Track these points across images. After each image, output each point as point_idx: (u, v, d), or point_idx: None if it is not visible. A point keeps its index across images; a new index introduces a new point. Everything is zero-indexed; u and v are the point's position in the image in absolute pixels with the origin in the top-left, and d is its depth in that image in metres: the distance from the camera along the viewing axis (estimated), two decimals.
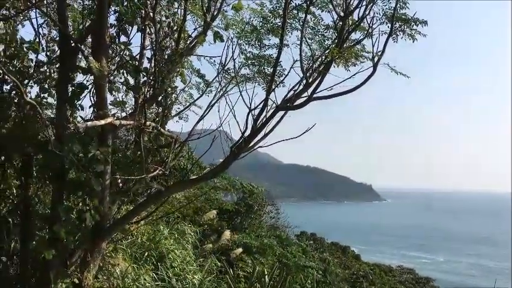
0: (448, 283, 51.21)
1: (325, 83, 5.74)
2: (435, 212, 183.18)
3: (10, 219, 6.05)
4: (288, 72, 5.85)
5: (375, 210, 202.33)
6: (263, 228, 19.82)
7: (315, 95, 5.57)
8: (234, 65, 5.99)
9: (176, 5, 6.34)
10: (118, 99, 5.90)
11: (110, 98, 5.76)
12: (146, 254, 8.69)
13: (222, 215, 17.51)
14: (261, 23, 6.34)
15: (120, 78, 6.01)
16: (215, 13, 5.96)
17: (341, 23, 5.63)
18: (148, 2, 5.82)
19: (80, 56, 5.78)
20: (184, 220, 13.21)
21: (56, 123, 5.42)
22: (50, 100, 5.96)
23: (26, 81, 5.86)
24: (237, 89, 6.01)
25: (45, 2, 5.94)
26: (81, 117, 5.81)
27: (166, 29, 6.09)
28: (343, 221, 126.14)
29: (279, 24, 6.10)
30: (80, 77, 5.94)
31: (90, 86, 5.76)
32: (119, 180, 6.07)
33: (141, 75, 6.11)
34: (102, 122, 5.08)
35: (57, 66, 5.86)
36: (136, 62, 6.10)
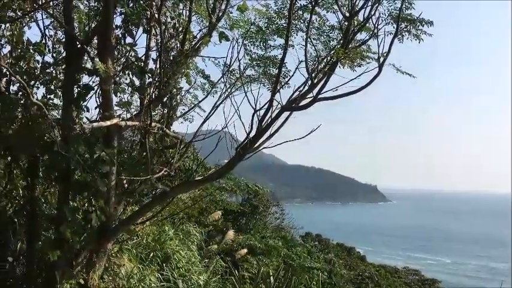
0: (454, 284, 50.94)
1: (330, 84, 5.74)
2: (441, 213, 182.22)
3: (16, 220, 6.10)
4: (293, 73, 5.84)
5: (380, 211, 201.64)
6: (268, 229, 19.81)
7: (320, 96, 5.55)
8: (240, 65, 5.99)
9: (181, 6, 6.36)
10: (123, 100, 5.92)
11: (115, 99, 5.79)
12: (151, 255, 8.71)
13: (227, 216, 17.51)
14: (266, 24, 6.34)
15: (126, 79, 6.04)
16: (220, 14, 5.96)
17: (346, 24, 5.61)
18: (154, 3, 5.84)
19: (85, 58, 5.82)
20: (189, 221, 13.24)
21: (62, 124, 5.45)
22: (56, 101, 6.01)
23: (33, 82, 5.89)
24: (242, 90, 6.02)
25: (51, 3, 5.98)
26: (87, 118, 5.85)
27: (172, 30, 6.11)
28: (348, 222, 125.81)
29: (284, 25, 6.09)
30: (85, 78, 5.98)
31: (95, 87, 5.79)
32: (124, 181, 6.09)
33: (147, 76, 6.12)
34: (108, 123, 5.09)
35: (63, 67, 5.90)
36: (142, 63, 6.12)
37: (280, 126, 5.73)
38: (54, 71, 6.04)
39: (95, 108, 5.82)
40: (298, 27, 6.11)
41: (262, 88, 6.21)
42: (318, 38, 6.18)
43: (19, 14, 6.02)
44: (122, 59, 5.91)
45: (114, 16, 5.61)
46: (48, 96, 5.85)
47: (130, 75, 5.99)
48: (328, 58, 5.91)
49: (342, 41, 5.74)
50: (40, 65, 6.04)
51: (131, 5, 5.65)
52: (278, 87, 5.77)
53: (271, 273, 11.82)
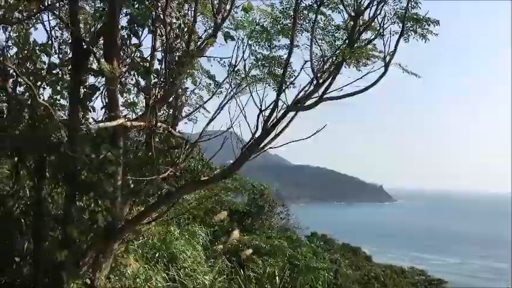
0: (461, 285, 50.63)
1: (335, 83, 5.73)
2: (447, 213, 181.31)
3: (23, 220, 6.12)
4: (299, 73, 5.83)
5: (386, 211, 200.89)
6: (273, 229, 19.78)
7: (325, 96, 5.55)
8: (245, 65, 5.99)
9: (186, 6, 6.37)
10: (129, 101, 5.94)
11: (121, 99, 5.82)
12: (157, 255, 8.73)
13: (233, 216, 17.51)
14: (270, 24, 6.34)
15: (131, 79, 6.05)
16: (225, 14, 5.96)
17: (352, 23, 5.60)
18: (159, 4, 5.86)
19: (91, 58, 5.84)
20: (194, 221, 13.25)
21: (69, 125, 5.48)
22: (63, 102, 6.03)
23: (39, 83, 5.92)
24: (247, 90, 6.02)
25: (57, 5, 6.01)
26: (93, 118, 5.86)
27: (177, 30, 6.12)
28: (354, 222, 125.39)
29: (289, 25, 6.09)
30: (91, 79, 6.00)
31: (101, 88, 5.81)
32: (130, 181, 6.11)
33: (152, 76, 6.14)
34: (114, 123, 5.11)
35: (69, 68, 5.92)
36: (147, 64, 6.13)
37: (286, 126, 5.73)
38: (60, 72, 6.06)
39: (101, 108, 5.84)
40: (303, 27, 6.11)
41: (268, 88, 6.22)
42: (323, 38, 6.17)
43: (25, 15, 6.05)
44: (128, 60, 5.92)
45: (120, 17, 5.63)
46: (55, 97, 5.87)
47: (136, 76, 6.01)
48: (334, 58, 5.90)
49: (347, 41, 5.73)
50: (46, 66, 6.06)
51: (136, 5, 5.67)
52: (283, 88, 5.76)
53: (276, 274, 11.81)
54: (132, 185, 6.13)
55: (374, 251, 53.14)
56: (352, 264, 28.30)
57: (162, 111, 6.48)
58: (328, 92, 5.57)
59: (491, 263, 78.73)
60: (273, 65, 6.55)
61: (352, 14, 5.56)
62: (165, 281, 8.19)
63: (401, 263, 45.53)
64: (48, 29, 6.17)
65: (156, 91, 5.88)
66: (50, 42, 6.17)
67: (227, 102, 5.99)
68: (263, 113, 5.65)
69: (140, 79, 6.04)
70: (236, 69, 6.26)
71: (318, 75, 5.68)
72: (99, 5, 6.26)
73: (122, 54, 5.78)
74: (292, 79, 6.00)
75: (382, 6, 5.39)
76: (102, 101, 5.83)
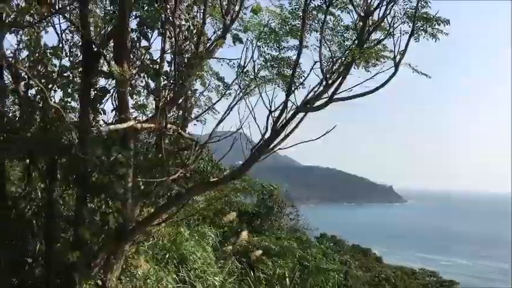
0: (471, 286, 50.10)
1: (344, 84, 5.70)
2: (457, 213, 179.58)
3: (35, 222, 6.18)
4: (308, 74, 5.82)
5: (395, 212, 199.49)
6: (283, 230, 19.76)
7: (335, 96, 5.52)
8: (254, 66, 6.00)
9: (195, 8, 6.38)
10: (139, 103, 5.97)
11: (131, 101, 5.85)
12: (168, 256, 8.76)
13: (242, 217, 17.52)
14: (279, 25, 6.33)
15: (141, 82, 6.08)
16: (234, 16, 5.97)
17: (361, 23, 5.57)
18: (168, 6, 5.88)
19: (102, 61, 5.88)
20: (204, 222, 13.28)
21: (80, 127, 5.52)
22: (73, 104, 6.07)
23: (50, 85, 5.97)
24: (256, 91, 6.02)
25: (68, 8, 6.06)
26: (103, 120, 5.90)
27: (186, 32, 6.14)
28: (363, 223, 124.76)
29: (298, 25, 6.08)
30: (102, 81, 6.04)
31: (112, 90, 5.85)
32: (141, 183, 6.13)
33: (162, 78, 6.16)
34: (125, 125, 5.14)
35: (80, 70, 5.96)
36: (157, 66, 6.16)
37: (295, 127, 5.72)
38: (71, 75, 6.11)
39: (112, 111, 5.88)
40: (312, 28, 6.09)
41: (277, 89, 6.22)
42: (332, 39, 6.15)
43: (36, 18, 6.11)
44: (138, 62, 5.95)
45: (130, 20, 5.66)
46: (66, 100, 5.92)
47: (146, 78, 6.04)
48: (343, 58, 5.88)
49: (356, 41, 5.70)
50: (57, 68, 6.11)
51: (146, 8, 5.70)
52: (293, 88, 5.75)
53: (286, 275, 11.79)
54: (142, 187, 6.16)
55: (384, 251, 52.83)
56: (363, 265, 28.18)
57: (171, 113, 6.50)
58: (337, 92, 5.55)
59: (500, 264, 77.74)
60: (282, 65, 6.54)
61: (362, 14, 5.53)
62: (176, 282, 8.21)
63: (411, 264, 45.22)
64: (59, 32, 6.23)
65: (166, 93, 5.90)
66: (60, 45, 6.23)
67: (236, 103, 5.99)
68: (273, 114, 5.64)
69: (150, 81, 6.07)
70: (245, 70, 6.27)
71: (327, 75, 5.66)
72: (109, 8, 6.30)
73: (131, 56, 5.81)
74: (301, 80, 5.99)
75: (392, 6, 5.37)
76: (112, 103, 5.87)
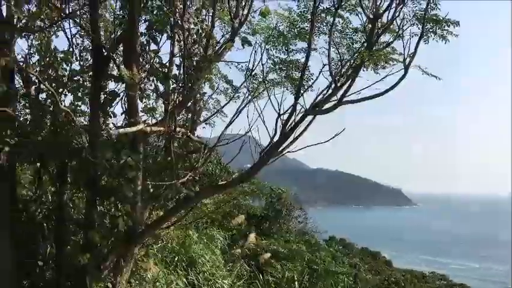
0: None
1: (353, 87, 5.68)
2: (468, 216, 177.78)
3: (45, 224, 6.23)
4: (317, 77, 5.81)
5: (405, 215, 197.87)
6: (291, 233, 19.71)
7: (344, 99, 5.50)
8: (263, 69, 6.00)
9: (204, 12, 6.41)
10: (148, 106, 6.00)
11: (140, 105, 5.87)
12: (177, 259, 8.77)
13: (251, 220, 17.51)
14: (287, 28, 6.33)
15: (150, 85, 6.11)
16: (242, 19, 5.98)
17: (370, 26, 5.55)
18: (177, 10, 5.91)
19: (111, 65, 5.92)
20: (213, 225, 13.29)
21: (90, 131, 5.56)
22: (83, 108, 6.12)
23: (61, 89, 6.02)
24: (265, 95, 6.02)
25: (78, 12, 6.11)
26: (113, 124, 5.94)
27: (195, 36, 6.16)
28: (372, 226, 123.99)
29: (306, 28, 6.07)
30: (111, 85, 6.08)
31: (121, 94, 5.88)
32: (150, 186, 6.15)
33: (171, 82, 6.19)
34: (134, 128, 5.16)
35: (90, 74, 6.01)
36: (166, 70, 6.19)
37: (304, 130, 5.71)
38: (81, 79, 6.16)
39: (121, 114, 5.91)
40: (320, 30, 6.08)
41: (286, 92, 6.20)
42: (341, 41, 6.13)
43: (47, 23, 6.17)
44: (147, 66, 5.98)
45: (139, 24, 5.70)
46: (76, 103, 5.97)
47: (155, 81, 6.07)
48: (352, 61, 5.86)
49: (365, 43, 5.68)
50: (68, 72, 6.17)
51: (155, 12, 5.73)
52: (301, 91, 5.74)
53: (295, 278, 11.75)
54: (151, 190, 6.18)
55: (393, 255, 52.43)
56: (372, 268, 28.00)
57: (180, 116, 6.52)
58: (346, 95, 5.53)
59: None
60: (291, 68, 6.53)
61: (371, 16, 5.51)
62: (185, 285, 8.22)
63: (421, 268, 44.84)
64: (69, 36, 6.29)
65: (175, 96, 5.92)
66: (71, 49, 6.29)
67: (245, 106, 5.99)
68: (281, 117, 5.63)
69: (159, 85, 6.10)
70: (253, 73, 6.27)
71: (336, 78, 5.64)
72: (118, 13, 6.34)
73: (141, 60, 5.84)
74: (310, 83, 5.97)
75: (401, 8, 5.34)
76: (122, 106, 5.91)
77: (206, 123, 7.13)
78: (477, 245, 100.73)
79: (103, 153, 5.00)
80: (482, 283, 56.02)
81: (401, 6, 5.33)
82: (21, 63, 6.16)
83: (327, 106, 5.68)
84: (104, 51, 5.72)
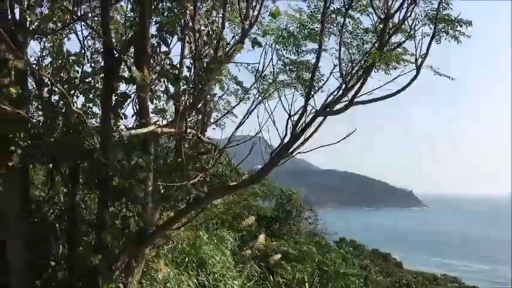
0: None
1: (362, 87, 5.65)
2: (480, 218, 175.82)
3: (58, 225, 6.28)
4: (328, 78, 5.78)
5: (416, 216, 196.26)
6: (301, 234, 19.66)
7: (355, 100, 5.48)
8: (273, 70, 5.99)
9: (214, 13, 6.42)
10: (159, 108, 6.03)
11: (151, 106, 5.90)
12: (187, 260, 8.79)
13: (261, 221, 17.50)
14: (298, 29, 6.32)
15: (161, 86, 6.14)
16: (253, 20, 5.98)
17: (382, 26, 5.51)
18: (188, 12, 5.93)
19: (123, 66, 5.96)
20: (223, 226, 13.30)
21: (101, 132, 5.60)
22: (95, 109, 6.17)
23: (73, 91, 6.08)
24: (275, 96, 6.01)
25: (90, 15, 6.17)
26: (124, 125, 5.97)
27: (205, 37, 6.18)
28: (383, 228, 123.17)
29: (316, 29, 6.06)
30: (122, 87, 6.12)
31: (132, 95, 5.92)
32: (161, 187, 6.18)
33: (181, 83, 6.21)
34: (145, 130, 5.19)
35: (101, 76, 6.06)
36: (176, 71, 6.21)
37: (315, 131, 5.69)
38: (93, 81, 6.21)
39: (132, 115, 5.94)
40: (331, 31, 6.06)
41: (296, 94, 6.19)
42: (351, 42, 6.11)
43: (59, 26, 6.23)
44: (158, 67, 6.01)
45: (150, 25, 5.73)
46: (88, 105, 6.01)
47: (166, 83, 6.10)
48: (363, 62, 5.83)
49: (376, 44, 5.65)
50: (80, 74, 6.22)
51: (166, 14, 5.76)
52: (312, 92, 5.72)
53: (306, 280, 11.71)
54: (162, 191, 6.20)
55: (404, 257, 52.01)
56: (383, 270, 27.80)
57: (191, 118, 6.54)
58: (358, 96, 5.50)
59: None
60: (301, 69, 6.52)
61: (382, 16, 5.48)
62: (196, 286, 8.24)
63: (433, 270, 44.40)
64: (81, 38, 6.34)
65: (185, 98, 5.94)
66: (82, 51, 6.34)
67: (255, 107, 6.00)
68: (292, 118, 5.62)
69: (170, 86, 6.12)
70: (263, 74, 6.27)
71: (347, 79, 5.62)
72: (129, 15, 6.39)
73: (152, 62, 5.87)
74: (320, 84, 5.95)
75: (413, 8, 5.30)
76: (133, 108, 5.94)
77: (216, 125, 7.15)
78: (489, 247, 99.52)
79: (114, 155, 5.03)
80: (491, 285, 55.29)
81: (412, 6, 5.29)
82: (34, 66, 6.23)
83: (337, 107, 5.66)
84: (115, 53, 5.76)
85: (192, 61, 6.16)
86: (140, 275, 5.97)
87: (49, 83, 6.09)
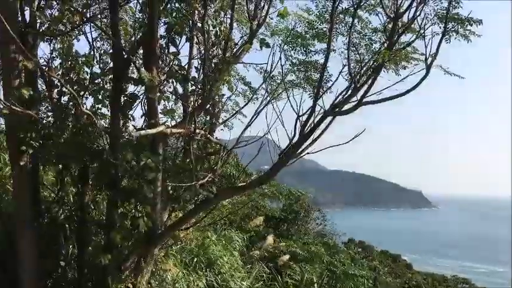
0: None
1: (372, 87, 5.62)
2: (489, 219, 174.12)
3: (67, 225, 6.33)
4: (337, 78, 5.76)
5: (425, 217, 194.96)
6: (310, 235, 19.59)
7: (364, 100, 5.44)
8: (282, 70, 5.98)
9: (222, 14, 6.43)
10: (168, 108, 6.05)
11: (159, 106, 5.92)
12: (195, 260, 8.79)
13: (269, 222, 17.47)
14: (306, 29, 6.30)
15: (170, 87, 6.16)
16: (261, 21, 5.98)
17: (391, 25, 5.48)
18: (196, 12, 5.94)
19: (131, 67, 5.98)
20: (231, 226, 13.29)
21: (110, 133, 5.62)
22: (104, 110, 6.20)
23: (82, 92, 6.12)
24: (283, 96, 6.00)
25: (99, 16, 6.21)
26: (133, 126, 6.00)
27: (213, 38, 6.18)
28: (392, 229, 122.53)
29: (324, 29, 6.04)
30: (131, 88, 6.15)
31: (141, 96, 5.94)
32: (169, 188, 6.20)
33: (190, 84, 6.22)
34: (154, 130, 5.21)
35: (110, 77, 6.09)
36: (185, 72, 6.23)
37: (323, 131, 5.67)
38: (102, 82, 6.24)
39: (141, 116, 5.97)
40: (339, 31, 6.03)
41: (305, 94, 6.17)
42: (359, 42, 6.08)
43: (69, 27, 6.27)
44: (166, 68, 6.03)
45: (158, 26, 5.74)
46: (97, 106, 6.04)
47: (174, 84, 6.11)
48: (372, 61, 5.80)
49: (386, 43, 5.62)
50: (89, 76, 6.26)
51: (174, 14, 5.77)
52: (321, 93, 5.70)
53: (314, 280, 11.67)
54: (171, 191, 6.22)
55: (414, 258, 51.68)
56: (392, 271, 27.63)
57: (199, 118, 6.55)
58: (367, 95, 5.47)
59: None
60: (309, 69, 6.50)
61: (392, 15, 5.44)
62: (204, 286, 8.24)
63: (443, 271, 44.03)
64: (90, 40, 6.38)
65: (194, 98, 5.95)
66: (91, 52, 6.38)
67: (263, 108, 5.98)
68: (300, 119, 5.60)
69: (178, 86, 6.14)
70: (272, 74, 6.26)
71: (356, 79, 5.59)
72: (138, 16, 6.42)
73: (160, 62, 5.89)
74: (329, 84, 5.93)
75: (422, 7, 5.26)
76: (142, 109, 5.96)
77: (225, 125, 7.16)
78: (500, 248, 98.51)
79: (124, 155, 5.05)
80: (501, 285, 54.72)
81: (422, 5, 5.25)
82: (44, 67, 6.28)
83: (346, 107, 5.63)
84: (124, 54, 5.79)
85: (200, 62, 6.17)
86: (149, 275, 5.99)
87: (59, 84, 6.14)
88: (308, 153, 5.74)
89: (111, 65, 6.15)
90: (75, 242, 6.34)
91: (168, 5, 5.85)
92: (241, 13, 6.51)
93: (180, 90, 6.20)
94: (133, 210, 5.60)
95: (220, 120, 7.06)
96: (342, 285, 13.39)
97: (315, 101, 5.66)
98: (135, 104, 5.89)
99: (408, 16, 5.40)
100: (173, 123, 6.07)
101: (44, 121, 6.04)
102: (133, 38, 6.30)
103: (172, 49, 6.05)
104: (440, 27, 5.23)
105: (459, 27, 5.27)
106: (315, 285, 11.38)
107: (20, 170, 5.66)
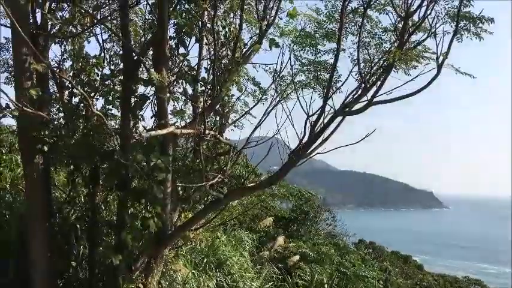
0: None
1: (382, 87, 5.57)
2: (500, 219, 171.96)
3: (78, 226, 6.37)
4: (347, 78, 5.72)
5: (436, 217, 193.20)
6: (319, 235, 19.51)
7: (375, 99, 5.40)
8: (292, 70, 5.96)
9: (232, 14, 6.43)
10: (177, 109, 6.06)
11: (169, 107, 5.93)
12: (205, 260, 8.80)
13: (278, 222, 17.45)
14: (315, 29, 6.27)
15: (179, 88, 6.18)
16: (270, 21, 5.97)
17: (401, 25, 5.43)
18: (206, 13, 5.95)
19: (141, 68, 6.01)
20: (241, 227, 13.29)
21: (121, 134, 5.65)
22: (114, 111, 6.23)
23: (92, 94, 6.16)
24: (293, 96, 5.98)
25: (109, 18, 6.25)
26: (143, 127, 6.02)
27: (223, 38, 6.19)
28: (402, 229, 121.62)
29: (333, 29, 6.00)
30: (141, 89, 6.18)
31: (151, 97, 5.96)
32: (179, 188, 6.21)
33: (199, 84, 6.23)
34: (165, 131, 5.21)
35: (120, 78, 6.12)
36: (194, 72, 6.24)
37: (333, 131, 5.63)
38: (112, 83, 6.28)
39: (151, 117, 5.99)
40: (348, 31, 6.00)
41: (315, 94, 6.14)
42: (369, 42, 6.04)
43: (79, 29, 6.33)
44: (176, 69, 6.04)
45: (168, 27, 5.76)
46: (107, 107, 6.08)
47: (184, 84, 6.13)
48: (382, 61, 5.75)
49: (396, 43, 5.57)
50: (99, 77, 6.30)
51: (184, 15, 5.78)
52: (331, 93, 5.67)
53: (325, 281, 11.62)
54: (181, 192, 6.23)
55: (425, 259, 51.22)
56: (403, 272, 27.40)
57: (209, 119, 6.56)
58: (377, 95, 5.42)
59: None
60: (319, 69, 6.47)
61: (402, 15, 5.40)
62: (214, 287, 8.24)
63: (454, 272, 43.59)
64: (100, 41, 6.43)
65: (204, 99, 5.96)
66: (102, 54, 6.42)
67: (273, 108, 5.97)
68: (310, 119, 5.58)
69: (188, 87, 6.15)
70: (281, 75, 6.25)
71: (366, 79, 5.55)
72: (148, 17, 6.44)
73: (170, 63, 5.90)
74: (339, 84, 5.89)
75: (433, 6, 5.20)
76: (152, 109, 5.99)
77: (234, 126, 7.16)
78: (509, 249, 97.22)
79: (134, 156, 5.07)
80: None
81: (433, 3, 5.20)
82: (55, 69, 6.34)
83: (356, 107, 5.59)
84: (134, 55, 5.82)
85: (210, 62, 6.18)
86: (159, 276, 6.01)
87: (70, 85, 6.19)
88: (318, 153, 5.71)
89: (121, 66, 6.18)
90: (86, 242, 6.38)
91: (178, 6, 5.86)
92: (250, 14, 6.50)
93: (189, 91, 6.21)
94: (143, 211, 5.62)
95: (230, 121, 7.07)
96: (353, 286, 13.32)
97: (324, 101, 5.63)
98: (145, 104, 5.91)
99: (419, 15, 5.35)
100: (183, 123, 6.08)
101: (55, 122, 6.09)
102: (143, 39, 6.33)
103: (182, 50, 6.07)
104: (451, 26, 5.17)
105: (471, 25, 5.20)
106: (325, 286, 11.32)
107: (32, 170, 5.71)
